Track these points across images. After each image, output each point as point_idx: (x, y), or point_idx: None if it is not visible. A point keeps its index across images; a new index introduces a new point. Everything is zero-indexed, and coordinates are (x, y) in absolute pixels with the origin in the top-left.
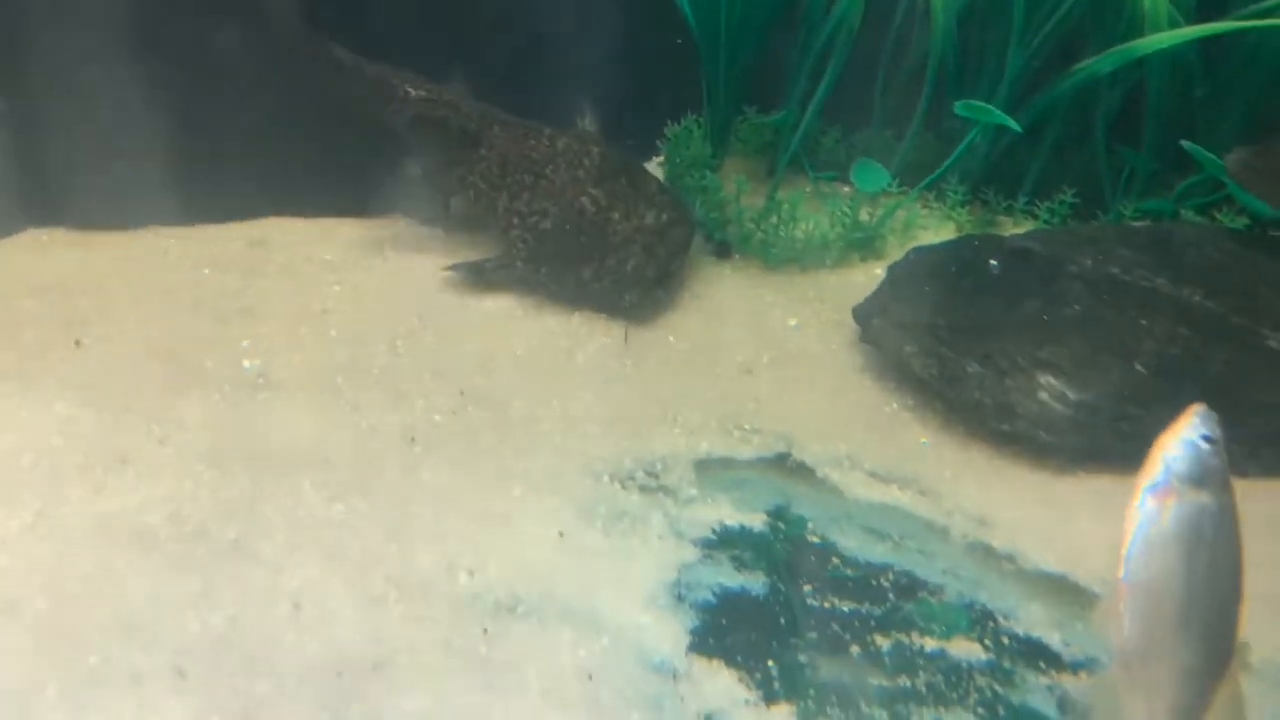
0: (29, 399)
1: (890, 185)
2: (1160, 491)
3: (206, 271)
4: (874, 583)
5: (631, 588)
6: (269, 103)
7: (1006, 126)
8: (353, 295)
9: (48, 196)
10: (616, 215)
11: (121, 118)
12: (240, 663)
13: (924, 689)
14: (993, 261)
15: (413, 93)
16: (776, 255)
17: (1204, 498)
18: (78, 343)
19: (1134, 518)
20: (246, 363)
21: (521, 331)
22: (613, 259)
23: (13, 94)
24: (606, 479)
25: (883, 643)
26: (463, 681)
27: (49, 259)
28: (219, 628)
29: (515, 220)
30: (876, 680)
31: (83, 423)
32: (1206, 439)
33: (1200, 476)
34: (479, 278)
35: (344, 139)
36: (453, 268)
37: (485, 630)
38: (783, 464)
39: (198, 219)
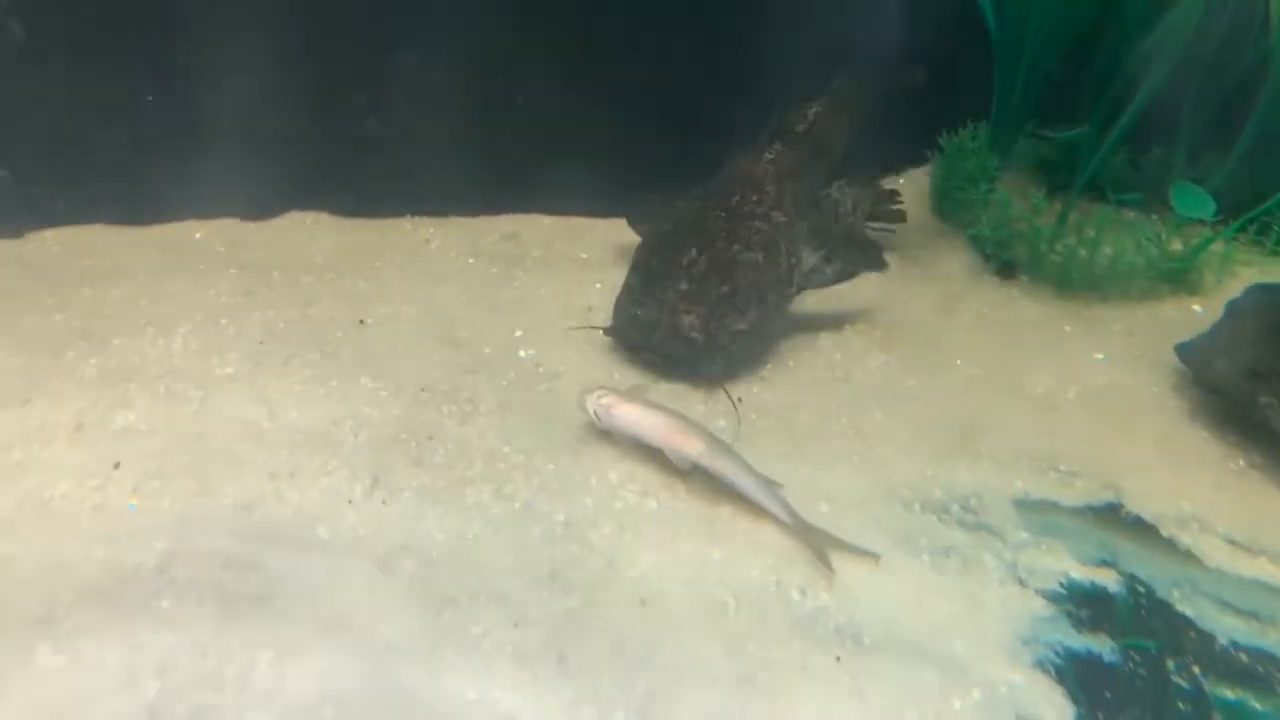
0: (335, 370)
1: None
2: (614, 406)
3: (471, 261)
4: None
5: (984, 635)
6: (519, 106)
7: None
8: (614, 293)
9: (312, 184)
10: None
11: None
12: (604, 649)
13: None
14: None
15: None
16: (1075, 281)
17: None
18: (362, 321)
19: (621, 424)
20: (523, 352)
21: (794, 342)
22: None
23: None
24: (918, 507)
25: None
26: (840, 710)
27: (316, 241)
28: (571, 606)
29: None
30: None
31: (387, 397)
32: (601, 389)
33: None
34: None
35: (592, 140)
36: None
37: (838, 659)
38: (1115, 515)
39: (451, 211)
